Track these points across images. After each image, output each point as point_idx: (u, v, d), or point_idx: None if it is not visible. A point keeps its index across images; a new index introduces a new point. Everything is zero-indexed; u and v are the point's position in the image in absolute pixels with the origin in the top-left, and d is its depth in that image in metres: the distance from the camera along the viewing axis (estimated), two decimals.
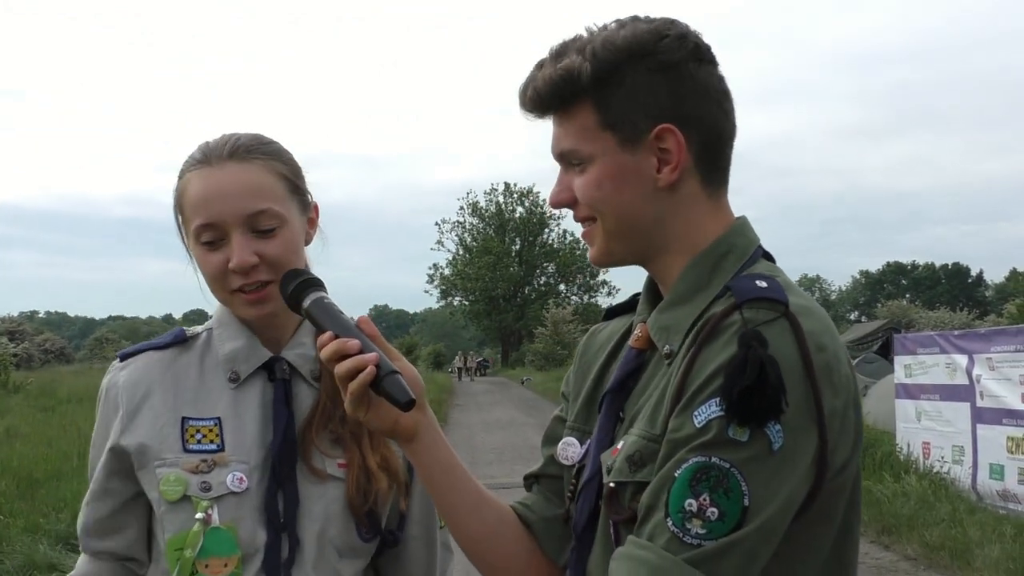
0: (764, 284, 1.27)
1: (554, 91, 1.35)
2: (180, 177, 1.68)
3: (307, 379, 1.71)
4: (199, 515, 1.58)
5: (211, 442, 1.63)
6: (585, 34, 1.37)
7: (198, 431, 1.64)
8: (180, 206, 1.67)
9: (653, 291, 1.46)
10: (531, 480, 1.59)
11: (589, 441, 1.46)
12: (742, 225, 1.41)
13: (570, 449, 1.50)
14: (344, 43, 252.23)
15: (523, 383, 43.00)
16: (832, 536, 1.30)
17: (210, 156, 1.65)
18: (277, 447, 1.64)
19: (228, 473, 1.61)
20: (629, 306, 1.56)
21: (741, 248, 1.38)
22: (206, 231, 1.62)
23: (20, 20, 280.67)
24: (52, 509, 8.80)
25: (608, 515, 1.35)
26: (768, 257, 1.42)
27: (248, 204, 1.61)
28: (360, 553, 1.70)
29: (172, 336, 1.75)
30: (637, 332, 1.44)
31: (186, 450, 1.63)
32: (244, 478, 1.62)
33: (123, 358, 1.73)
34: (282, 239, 1.63)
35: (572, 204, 1.40)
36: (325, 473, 1.66)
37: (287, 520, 1.63)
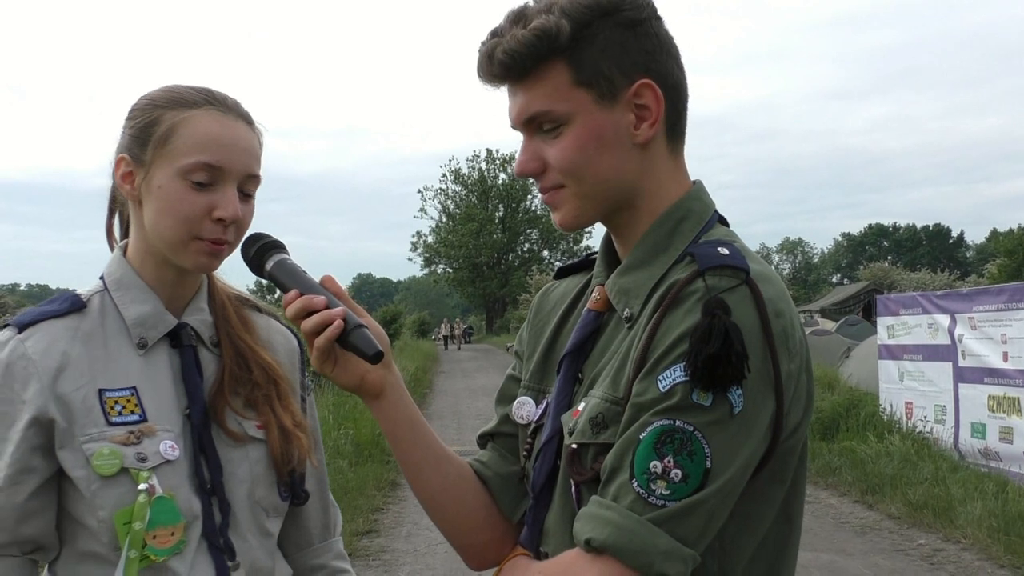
0: (726, 251, 1.29)
1: (529, 51, 1.32)
2: (172, 107, 1.60)
3: (208, 345, 1.69)
4: (143, 486, 1.54)
5: (132, 412, 1.58)
6: (532, 1, 1.36)
7: (116, 402, 1.58)
8: (168, 136, 1.58)
9: (610, 252, 1.47)
10: (486, 438, 1.61)
11: (545, 400, 1.49)
12: (699, 190, 1.43)
13: (524, 408, 1.53)
14: (321, 9, 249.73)
15: (507, 349, 43.05)
16: (783, 494, 1.34)
17: (227, 105, 1.63)
18: (199, 413, 1.62)
19: (159, 442, 1.58)
20: (581, 265, 1.59)
21: (698, 213, 1.40)
22: (205, 171, 1.57)
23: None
24: None
25: (570, 475, 1.36)
26: (723, 222, 1.44)
27: (251, 165, 1.63)
28: (281, 512, 1.72)
29: (69, 303, 1.63)
30: (595, 295, 1.46)
31: (110, 423, 1.57)
32: (175, 446, 1.59)
33: (20, 328, 1.59)
34: (252, 208, 1.65)
35: (541, 172, 1.38)
36: (244, 435, 1.65)
37: (214, 485, 1.61)
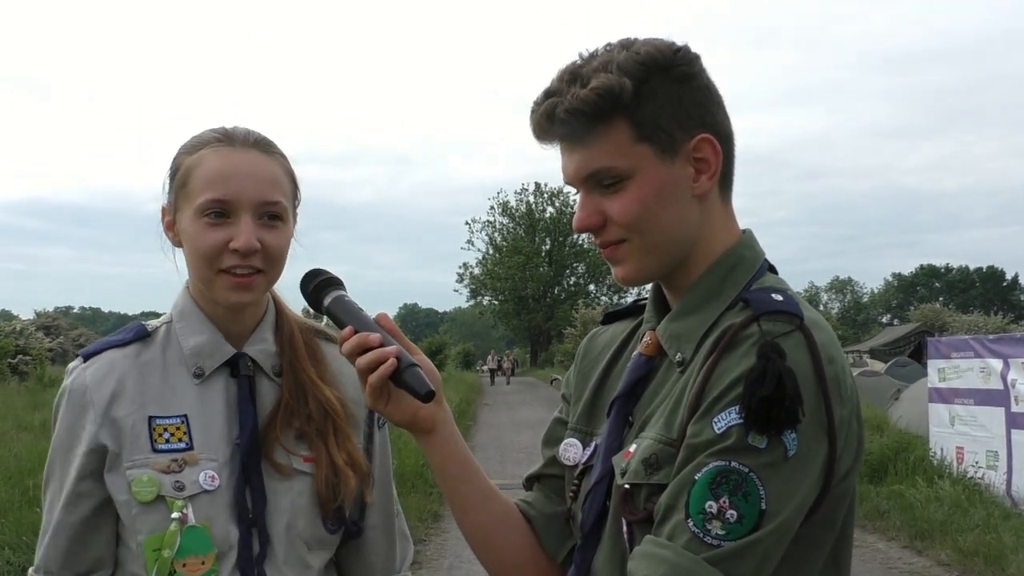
0: (780, 298, 1.33)
1: (592, 110, 1.34)
2: (189, 152, 1.67)
3: (269, 375, 1.72)
4: (175, 515, 1.58)
5: (179, 440, 1.63)
6: (579, 59, 1.39)
7: (165, 430, 1.63)
8: (185, 179, 1.65)
9: (660, 298, 1.50)
10: (532, 480, 1.63)
11: (594, 442, 1.50)
12: (749, 238, 1.47)
13: (571, 450, 1.55)
14: (373, 38, 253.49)
15: (552, 383, 42.91)
16: (833, 539, 1.35)
17: (234, 139, 1.67)
18: (245, 444, 1.65)
19: (200, 472, 1.62)
20: (629, 311, 1.61)
21: (750, 260, 1.43)
22: (216, 206, 1.61)
23: (47, 11, 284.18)
24: None
25: (622, 515, 1.38)
26: (772, 270, 1.46)
27: (265, 192, 1.64)
28: (327, 544, 1.73)
29: (133, 332, 1.72)
30: (647, 339, 1.48)
31: (155, 450, 1.62)
32: (216, 476, 1.62)
33: (86, 358, 1.70)
34: (282, 234, 1.67)
35: (601, 227, 1.40)
36: (290, 469, 1.67)
37: (256, 516, 1.64)
